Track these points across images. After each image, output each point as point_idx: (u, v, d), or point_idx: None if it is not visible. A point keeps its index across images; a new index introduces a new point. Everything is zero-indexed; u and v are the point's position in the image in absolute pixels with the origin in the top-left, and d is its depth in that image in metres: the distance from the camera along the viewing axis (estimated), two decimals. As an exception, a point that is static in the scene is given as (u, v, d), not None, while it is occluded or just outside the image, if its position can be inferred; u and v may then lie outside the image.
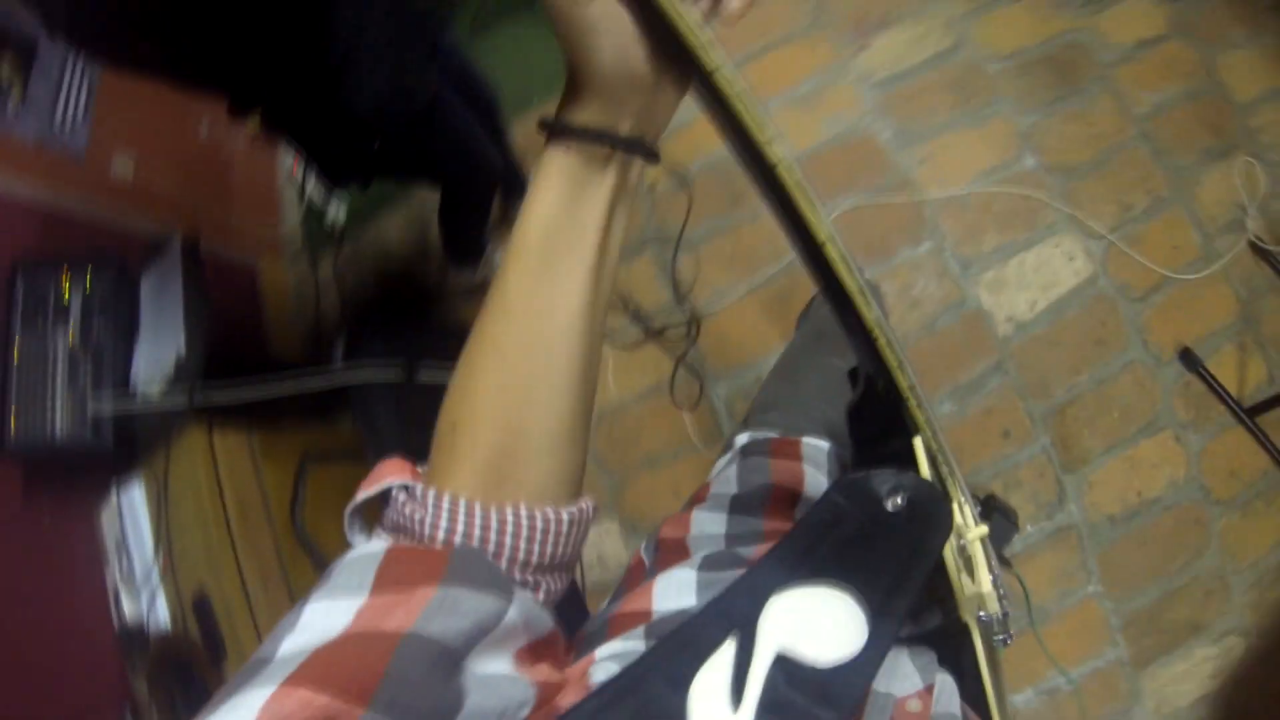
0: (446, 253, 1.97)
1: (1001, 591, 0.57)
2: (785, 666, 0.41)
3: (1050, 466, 1.88)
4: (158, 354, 1.45)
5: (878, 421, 0.58)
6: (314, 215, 2.11)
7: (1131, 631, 1.84)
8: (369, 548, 0.43)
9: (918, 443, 0.55)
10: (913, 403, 0.55)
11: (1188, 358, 1.86)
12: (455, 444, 0.46)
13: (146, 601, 1.41)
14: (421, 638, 0.36)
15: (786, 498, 0.79)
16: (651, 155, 0.47)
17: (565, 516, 0.48)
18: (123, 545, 1.42)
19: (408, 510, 0.44)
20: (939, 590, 0.57)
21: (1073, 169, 1.98)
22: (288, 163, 2.06)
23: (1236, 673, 1.81)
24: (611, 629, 0.60)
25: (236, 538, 1.38)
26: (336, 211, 2.08)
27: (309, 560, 1.48)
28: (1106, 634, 1.83)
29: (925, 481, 0.52)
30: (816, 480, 0.82)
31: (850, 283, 0.48)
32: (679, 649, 0.40)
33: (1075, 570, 1.85)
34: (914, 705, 0.52)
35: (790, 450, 0.84)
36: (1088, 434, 1.87)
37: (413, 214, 2.09)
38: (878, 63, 2.10)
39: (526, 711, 0.38)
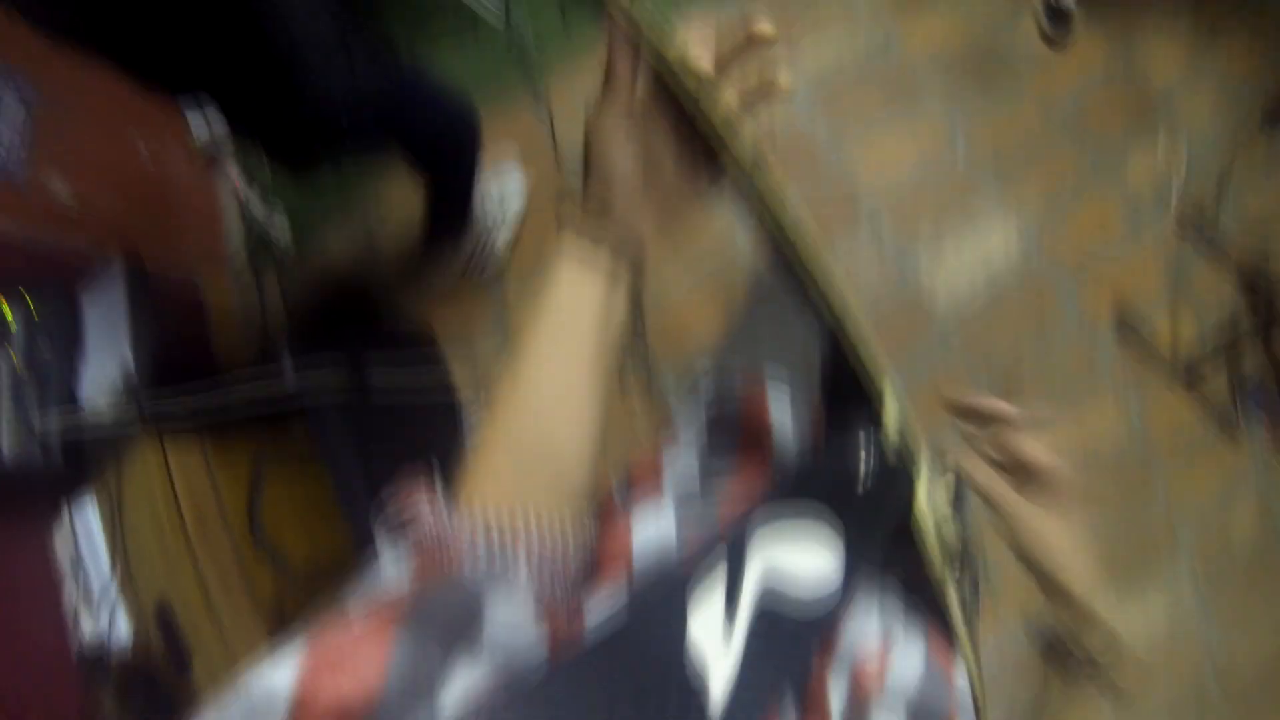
0: (430, 230, 1.96)
1: (968, 549, 0.61)
2: (771, 593, 0.45)
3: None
4: (104, 369, 1.44)
5: (848, 381, 0.62)
6: (257, 233, 2.10)
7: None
8: (399, 556, 0.48)
9: (886, 410, 0.60)
10: (882, 380, 0.60)
11: (1122, 325, 1.93)
12: (479, 469, 0.53)
13: (107, 618, 1.39)
14: (443, 573, 0.43)
15: (755, 434, 0.84)
16: (636, 267, 0.57)
17: (575, 531, 0.52)
18: (78, 564, 1.40)
19: (433, 523, 0.48)
20: (914, 544, 0.59)
21: (1002, 155, 2.05)
22: (230, 181, 2.06)
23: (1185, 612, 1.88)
24: (592, 570, 0.64)
25: (195, 545, 1.36)
26: (280, 228, 2.08)
27: (269, 563, 1.47)
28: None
29: (892, 447, 0.59)
30: (783, 421, 0.87)
31: (825, 280, 0.56)
32: (675, 584, 0.44)
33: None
34: (872, 660, 0.55)
35: (756, 392, 0.89)
36: (1032, 399, 1.93)
37: (355, 227, 2.10)
38: (809, 62, 2.17)
39: (544, 651, 0.41)
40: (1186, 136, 2.07)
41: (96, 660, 1.37)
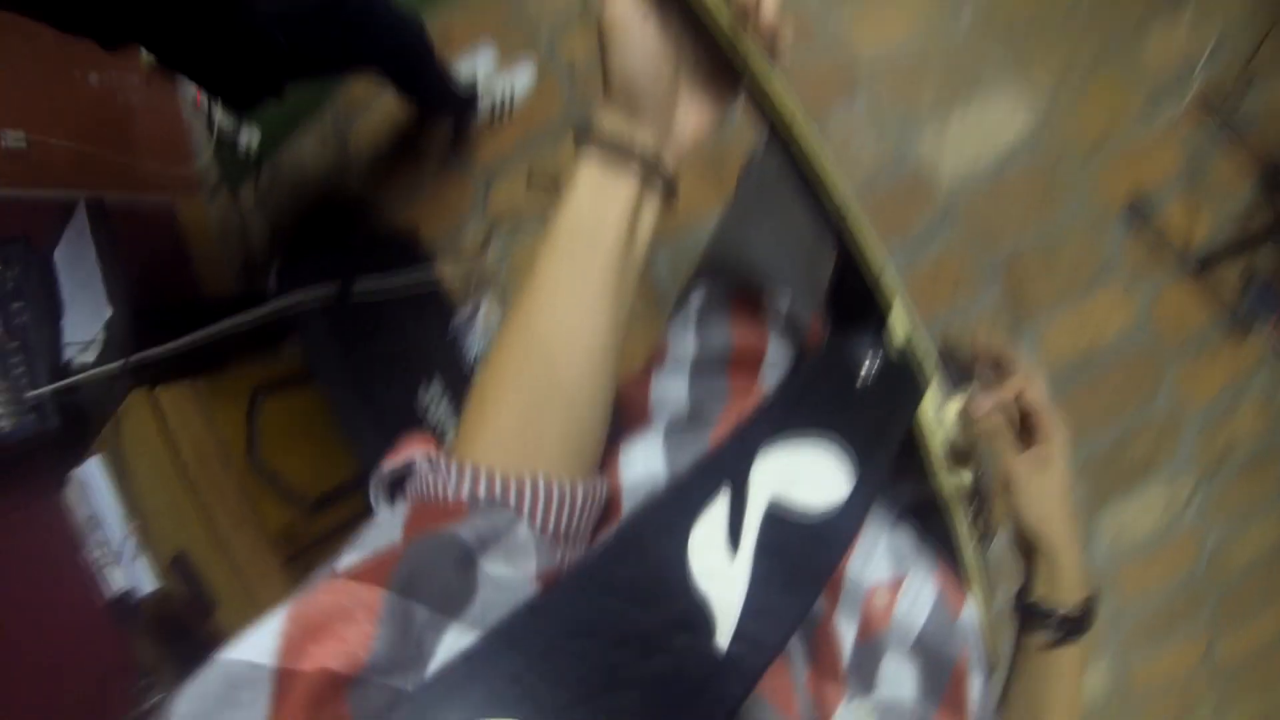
0: (438, 113, 1.90)
1: (980, 482, 0.61)
2: (778, 515, 0.42)
3: (1001, 318, 1.91)
4: (85, 323, 1.41)
5: (854, 290, 0.59)
6: (226, 146, 2.02)
7: (1088, 474, 1.93)
8: (393, 514, 0.43)
9: (893, 314, 0.57)
10: (886, 278, 0.57)
11: (1135, 211, 1.85)
12: (483, 413, 0.48)
13: (128, 569, 1.43)
14: (436, 533, 0.39)
15: (750, 354, 0.77)
16: (668, 183, 0.51)
17: (581, 491, 0.48)
18: (94, 520, 1.42)
19: (431, 479, 0.44)
20: (920, 465, 0.59)
21: (1013, 24, 1.90)
22: (190, 95, 1.96)
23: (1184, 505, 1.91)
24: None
25: (200, 487, 1.38)
26: (249, 138, 1.99)
27: (275, 493, 1.50)
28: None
29: (899, 351, 0.55)
30: (778, 335, 0.80)
31: (822, 162, 0.51)
32: (674, 504, 0.41)
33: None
34: (881, 599, 0.55)
35: (750, 305, 0.81)
36: (1037, 286, 1.89)
37: (326, 129, 1.99)
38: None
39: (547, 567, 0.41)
40: (1216, 15, 1.90)
41: (126, 611, 1.42)
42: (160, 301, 1.65)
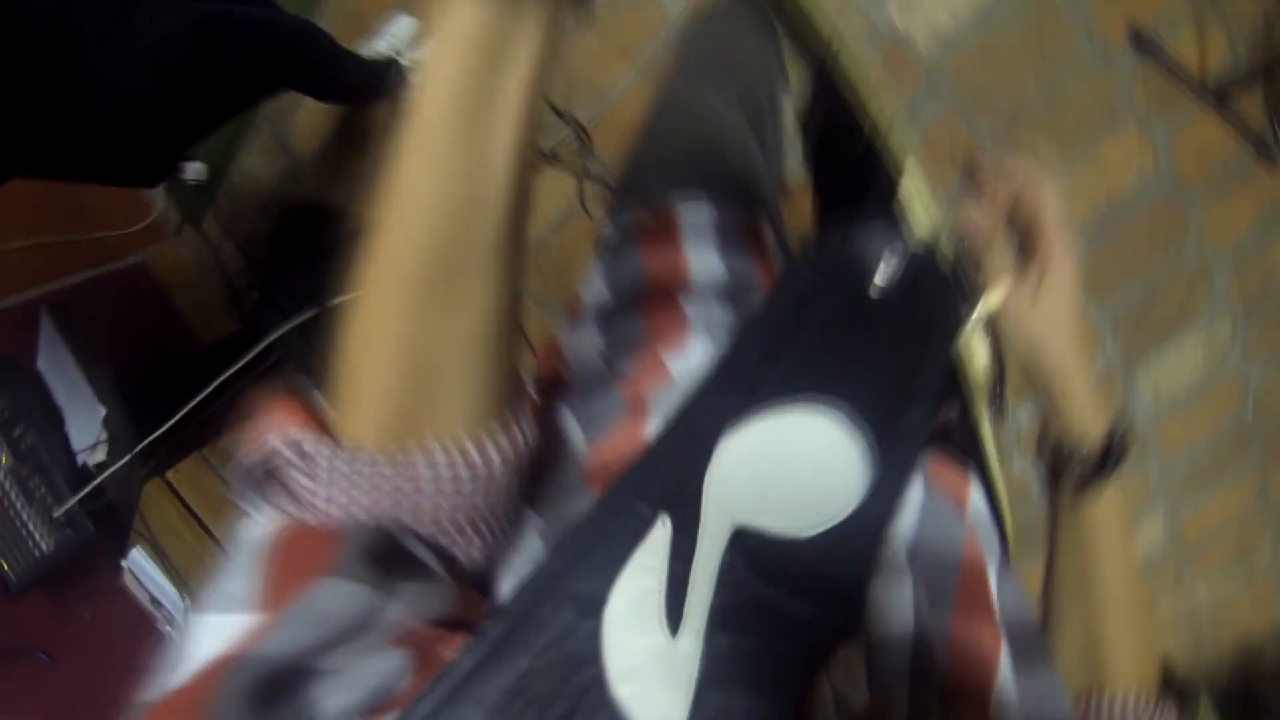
0: (366, 101, 1.82)
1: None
2: (747, 545, 0.30)
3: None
4: (86, 425, 1.46)
5: (844, 160, 0.44)
6: (177, 186, 2.00)
7: (1121, 333, 1.84)
8: (257, 531, 0.34)
9: (906, 184, 0.42)
10: (890, 133, 0.42)
11: (1140, 43, 1.65)
12: (355, 371, 0.35)
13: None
14: (256, 659, 0.28)
15: (668, 283, 0.63)
16: None
17: (496, 458, 0.36)
18: (155, 599, 1.53)
19: (297, 479, 0.34)
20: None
21: None
22: None
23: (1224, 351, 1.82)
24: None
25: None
26: (196, 171, 1.97)
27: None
28: (1097, 341, 1.84)
29: (925, 242, 0.38)
30: (703, 253, 0.65)
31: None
32: (582, 552, 0.30)
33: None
34: None
35: (662, 224, 0.66)
36: (1044, 143, 1.73)
37: (266, 139, 1.94)
38: None
39: (405, 682, 0.29)
40: None
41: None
42: (154, 368, 1.68)
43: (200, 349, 1.98)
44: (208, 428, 1.53)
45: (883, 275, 0.35)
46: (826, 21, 0.36)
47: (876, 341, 0.35)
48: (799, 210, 1.74)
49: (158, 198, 2.02)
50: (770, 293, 0.35)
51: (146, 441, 1.42)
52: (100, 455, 1.46)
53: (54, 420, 1.47)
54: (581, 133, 1.76)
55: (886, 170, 0.41)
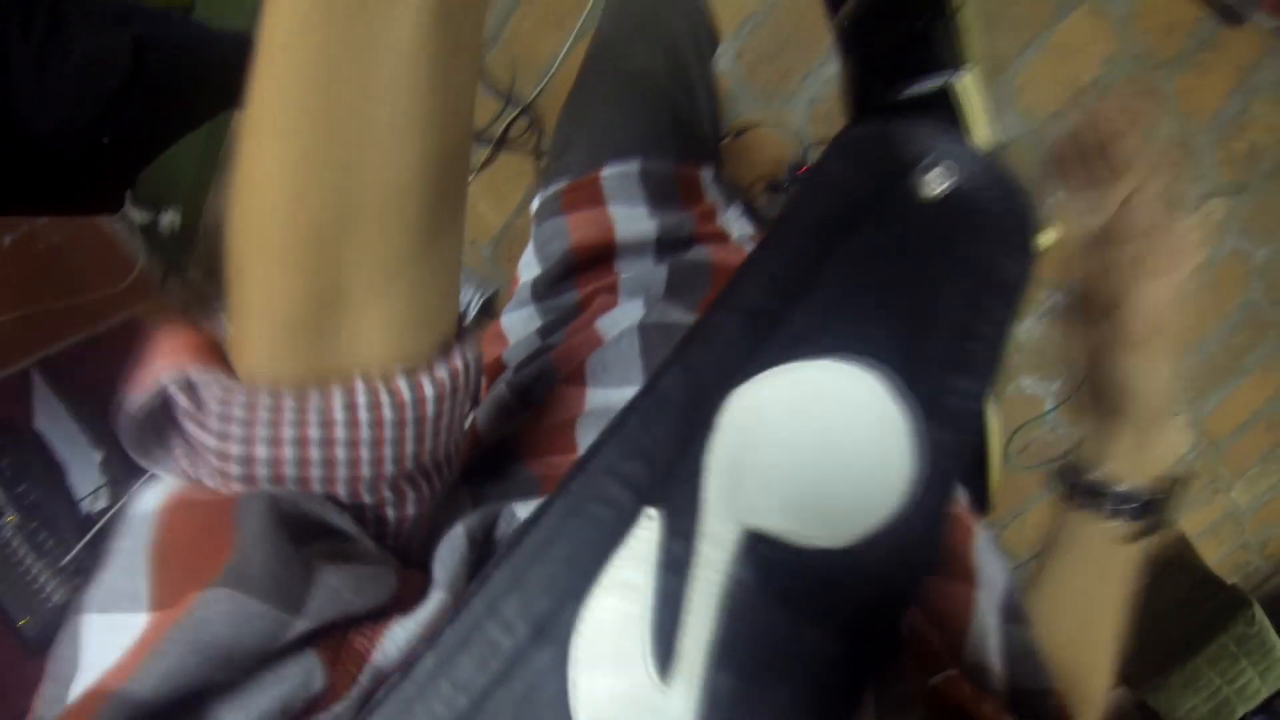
0: None
1: None
2: (762, 556, 0.23)
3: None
4: (86, 474, 1.54)
5: (892, 36, 0.35)
6: (154, 237, 2.06)
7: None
8: (146, 504, 0.29)
9: (964, 84, 0.33)
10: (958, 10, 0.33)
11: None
12: (244, 272, 0.27)
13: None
14: (132, 701, 0.22)
15: (596, 247, 0.60)
16: None
17: (429, 392, 0.29)
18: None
19: (190, 428, 0.28)
20: None
21: None
22: (100, 224, 2.00)
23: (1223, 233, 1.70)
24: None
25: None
26: (170, 219, 2.02)
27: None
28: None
29: (986, 152, 0.29)
30: (630, 209, 0.61)
31: None
32: (537, 556, 0.23)
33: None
34: None
35: (586, 192, 0.63)
36: (995, 37, 1.64)
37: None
38: None
39: (319, 682, 0.24)
40: None
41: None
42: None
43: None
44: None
45: (939, 180, 0.26)
46: None
47: (926, 276, 0.26)
48: (740, 156, 1.70)
49: (138, 253, 2.09)
50: (789, 202, 0.27)
51: (145, 478, 1.50)
52: (102, 501, 1.55)
53: (55, 474, 1.55)
54: (530, 112, 1.76)
55: (943, 55, 0.32)
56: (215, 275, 2.04)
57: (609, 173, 0.62)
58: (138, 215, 2.00)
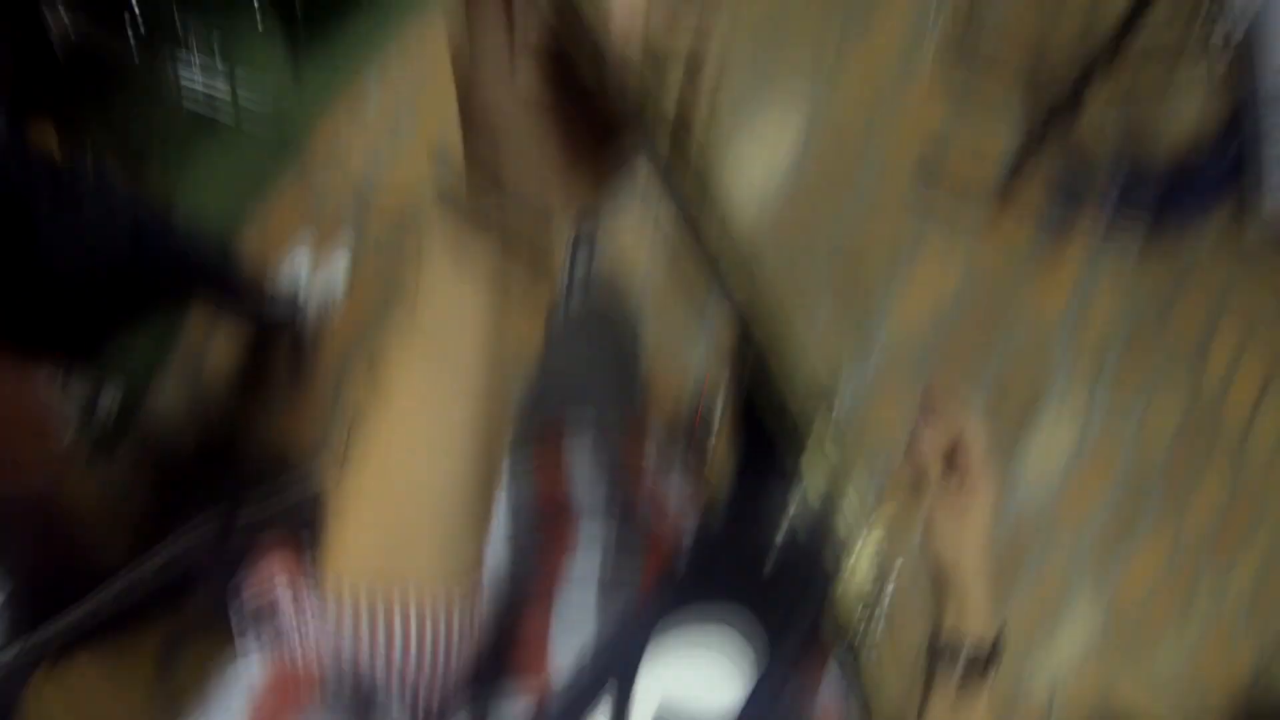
0: (271, 329, 1.95)
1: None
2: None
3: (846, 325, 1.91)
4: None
5: (762, 431, 0.50)
6: (88, 415, 2.07)
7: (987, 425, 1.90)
8: (247, 674, 0.38)
9: (808, 460, 0.47)
10: (805, 420, 0.48)
11: (924, 171, 1.90)
12: (340, 535, 0.41)
13: None
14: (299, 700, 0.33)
15: (555, 502, 0.71)
16: (540, 254, 0.39)
17: (458, 618, 0.42)
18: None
19: (287, 623, 0.39)
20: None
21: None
22: (41, 384, 2.02)
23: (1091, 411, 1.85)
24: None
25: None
26: (109, 400, 2.03)
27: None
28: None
29: (814, 514, 0.47)
30: (585, 476, 0.75)
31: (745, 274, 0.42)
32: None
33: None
34: None
35: (551, 442, 0.77)
36: (863, 280, 1.88)
37: (179, 371, 2.06)
38: None
39: None
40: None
41: None
42: (58, 586, 1.68)
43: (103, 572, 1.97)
44: (107, 630, 1.52)
45: (782, 535, 0.45)
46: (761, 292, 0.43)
47: (769, 586, 0.44)
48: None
49: (68, 425, 2.08)
50: (698, 533, 0.46)
51: (45, 629, 1.41)
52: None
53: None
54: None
55: (791, 424, 0.47)
56: (139, 465, 2.03)
57: (571, 433, 0.79)
58: (74, 385, 2.05)
